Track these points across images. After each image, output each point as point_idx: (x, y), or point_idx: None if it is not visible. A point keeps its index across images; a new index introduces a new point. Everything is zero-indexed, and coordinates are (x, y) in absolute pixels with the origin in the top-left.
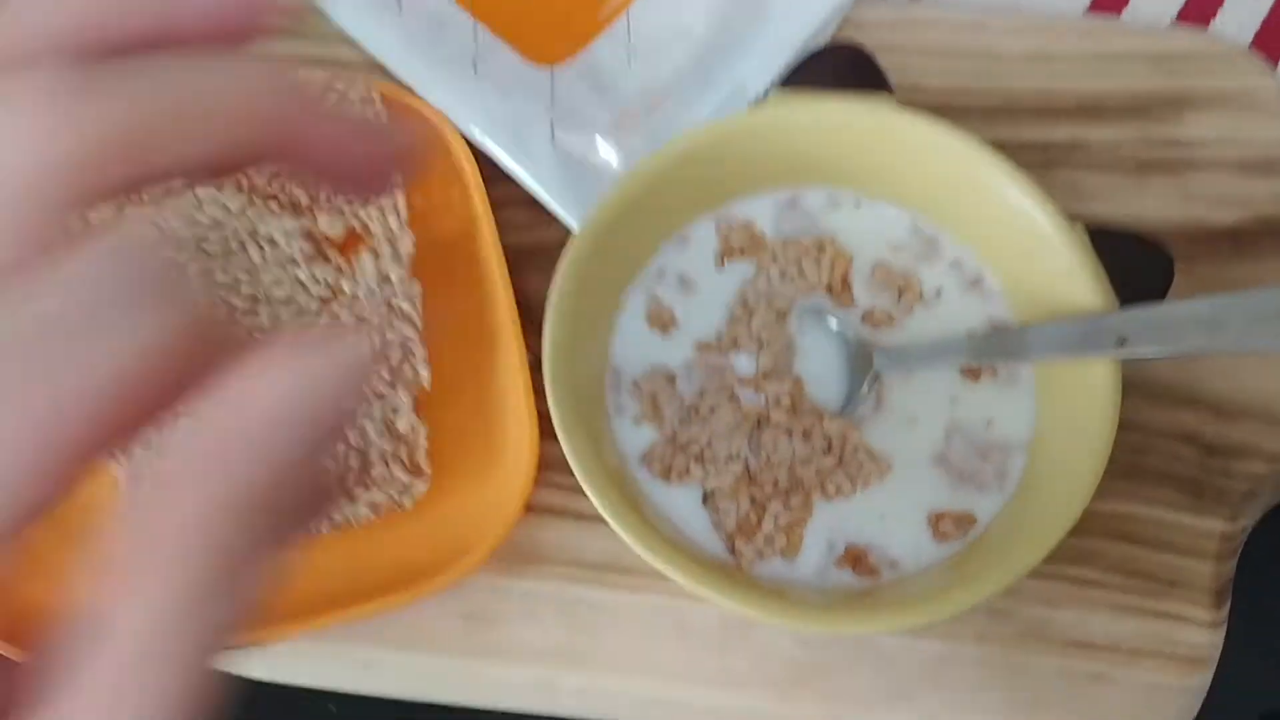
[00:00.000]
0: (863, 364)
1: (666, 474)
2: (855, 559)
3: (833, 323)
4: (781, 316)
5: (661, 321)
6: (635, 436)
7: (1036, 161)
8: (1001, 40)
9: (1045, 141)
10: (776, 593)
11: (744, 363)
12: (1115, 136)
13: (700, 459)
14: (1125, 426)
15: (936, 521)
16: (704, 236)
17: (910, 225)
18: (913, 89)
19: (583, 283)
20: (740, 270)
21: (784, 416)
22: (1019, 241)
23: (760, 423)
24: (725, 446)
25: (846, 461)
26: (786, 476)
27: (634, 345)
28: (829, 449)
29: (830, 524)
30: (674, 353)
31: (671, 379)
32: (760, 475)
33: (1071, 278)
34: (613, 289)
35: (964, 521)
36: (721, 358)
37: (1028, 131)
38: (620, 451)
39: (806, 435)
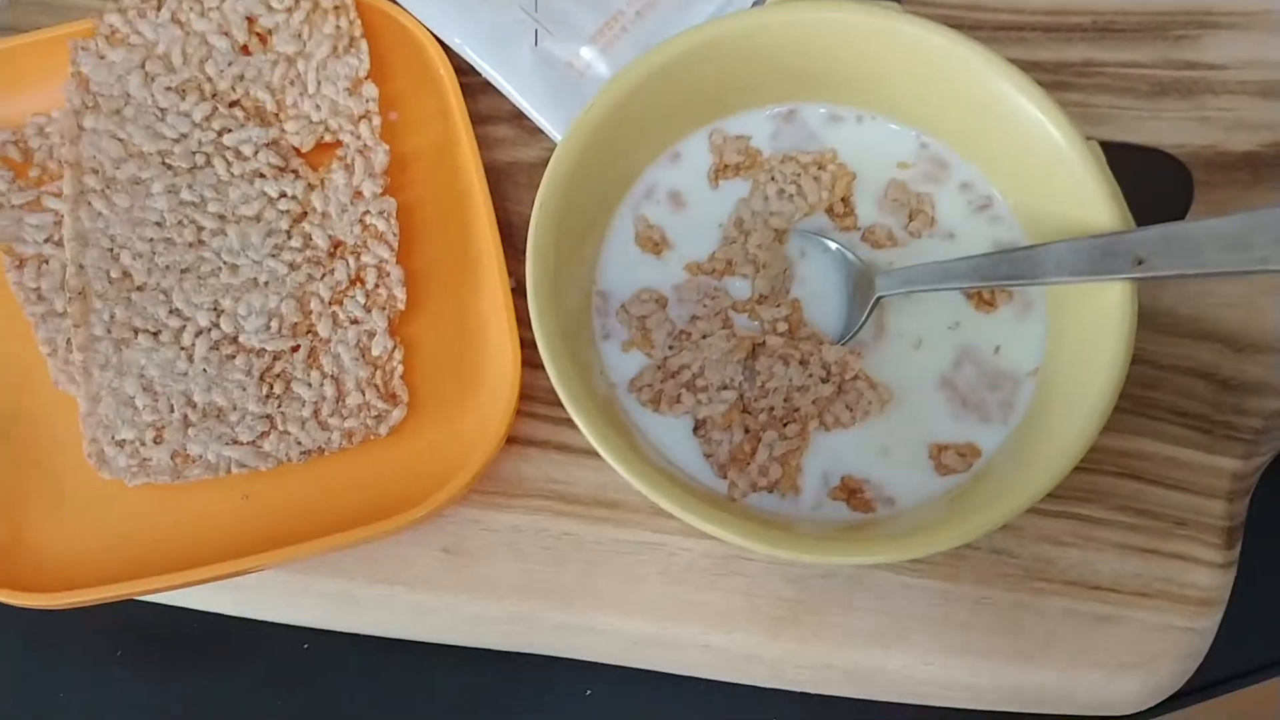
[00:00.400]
0: (864, 288)
1: (656, 402)
2: (851, 491)
3: (832, 245)
4: (779, 238)
5: (651, 242)
6: (623, 363)
7: (1048, 83)
8: None
9: (1057, 61)
10: (768, 523)
11: (739, 286)
12: (1131, 57)
13: (692, 387)
14: (1136, 360)
15: (939, 454)
16: (696, 152)
17: (916, 142)
18: (918, 0)
19: (567, 200)
20: (735, 189)
21: (780, 343)
22: (1031, 160)
23: (755, 350)
24: (718, 374)
25: (846, 390)
26: (782, 405)
27: (622, 268)
28: (827, 377)
29: (827, 456)
30: (664, 276)
31: (662, 303)
32: (755, 404)
33: (1086, 198)
34: (599, 207)
35: (967, 454)
36: (715, 281)
37: (1040, 50)
38: (608, 379)
39: (804, 363)
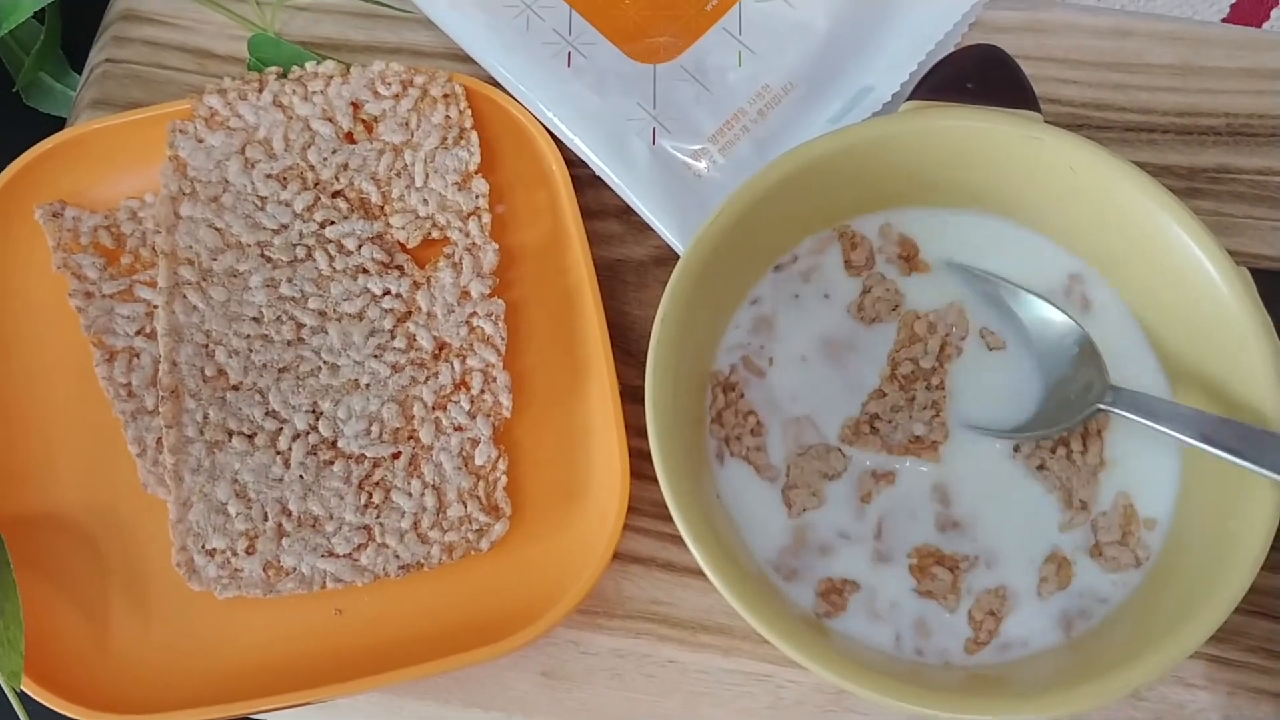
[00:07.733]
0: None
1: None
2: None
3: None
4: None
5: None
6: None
7: (1180, 189)
8: (1147, 49)
9: (1190, 166)
10: (876, 668)
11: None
12: (1266, 164)
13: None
14: None
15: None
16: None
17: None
18: (1045, 100)
19: (690, 310)
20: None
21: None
22: (1176, 288)
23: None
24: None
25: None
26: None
27: None
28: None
29: None
30: None
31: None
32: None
33: (1236, 331)
34: (718, 317)
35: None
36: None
37: (1171, 154)
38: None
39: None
